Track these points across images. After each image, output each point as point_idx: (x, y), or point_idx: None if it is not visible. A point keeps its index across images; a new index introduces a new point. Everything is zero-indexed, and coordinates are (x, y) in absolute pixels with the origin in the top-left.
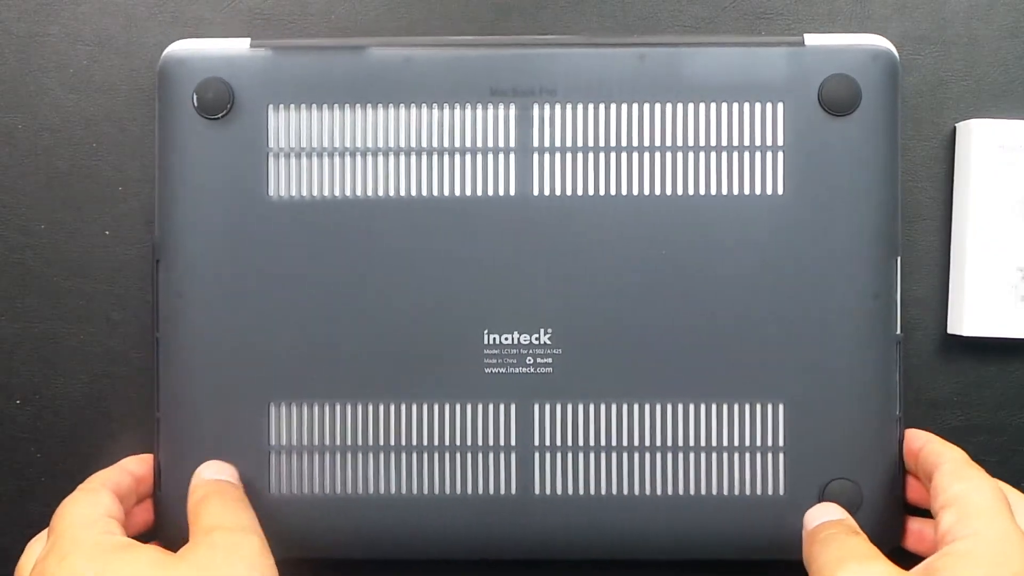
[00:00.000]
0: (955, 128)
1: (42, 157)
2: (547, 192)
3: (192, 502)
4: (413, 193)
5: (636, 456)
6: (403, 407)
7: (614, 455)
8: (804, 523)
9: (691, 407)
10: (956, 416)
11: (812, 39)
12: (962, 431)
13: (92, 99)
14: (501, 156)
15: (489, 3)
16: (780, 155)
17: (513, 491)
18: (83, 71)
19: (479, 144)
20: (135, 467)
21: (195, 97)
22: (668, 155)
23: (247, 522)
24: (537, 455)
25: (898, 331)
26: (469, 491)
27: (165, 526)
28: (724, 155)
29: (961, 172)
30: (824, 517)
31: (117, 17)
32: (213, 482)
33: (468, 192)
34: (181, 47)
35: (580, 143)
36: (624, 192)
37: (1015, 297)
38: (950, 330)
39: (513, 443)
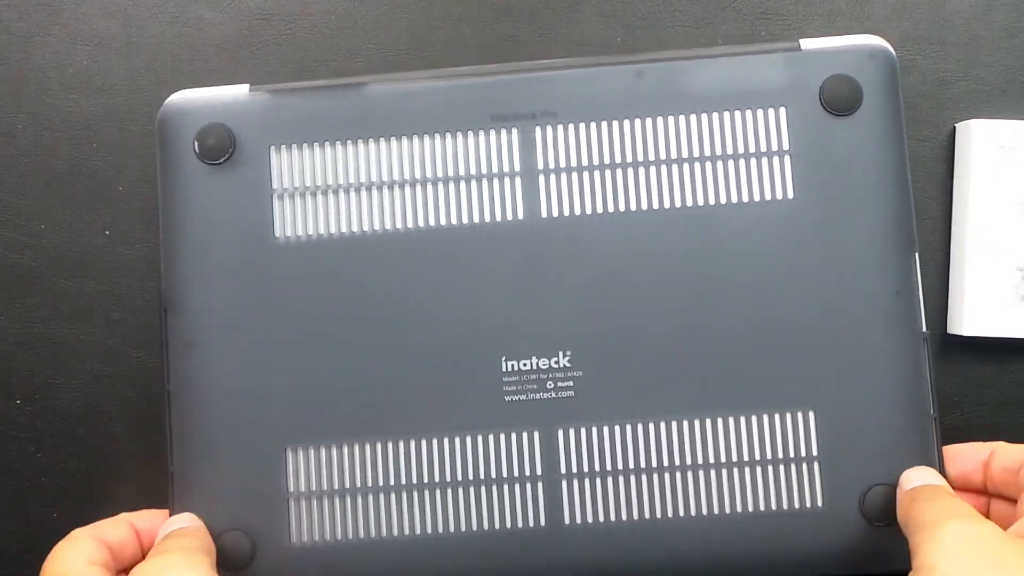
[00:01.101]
0: (955, 128)
1: (42, 157)
2: (555, 214)
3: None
4: (421, 224)
5: (667, 477)
6: (423, 443)
7: (644, 477)
8: (900, 484)
9: (719, 421)
10: (956, 416)
11: (808, 43)
12: (962, 431)
13: (92, 99)
14: (507, 181)
15: (489, 3)
16: (787, 159)
17: (542, 523)
18: (83, 71)
19: (484, 170)
20: (140, 520)
21: (196, 144)
22: (675, 168)
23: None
24: (564, 483)
25: (923, 328)
26: (496, 526)
27: None
28: (731, 163)
29: (961, 172)
30: (923, 480)
31: (117, 17)
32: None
33: (476, 219)
34: (180, 97)
35: (585, 162)
36: (634, 208)
37: (1015, 297)
38: (950, 330)
39: (539, 472)
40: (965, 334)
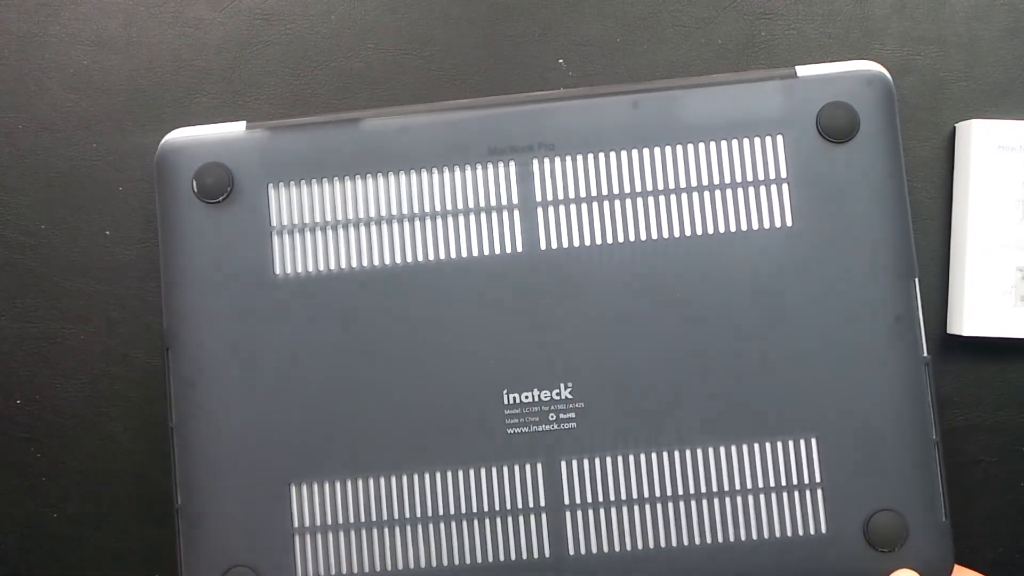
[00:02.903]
0: (955, 128)
1: (42, 157)
2: (554, 245)
3: None
4: (420, 259)
5: (671, 506)
6: (427, 476)
7: (647, 507)
8: None
9: (722, 450)
10: (956, 416)
11: (804, 70)
12: (962, 431)
13: (92, 99)
14: (505, 214)
15: (489, 3)
16: (785, 187)
17: (547, 554)
18: (83, 71)
19: (482, 204)
20: None
21: (194, 183)
22: (673, 198)
23: None
24: (568, 514)
25: (924, 353)
26: (501, 558)
27: None
28: (729, 192)
29: (961, 172)
30: None
31: (117, 17)
32: None
33: (475, 253)
34: (177, 136)
35: (583, 194)
36: (632, 238)
37: (1015, 297)
38: (950, 330)
39: (542, 504)
40: (965, 334)
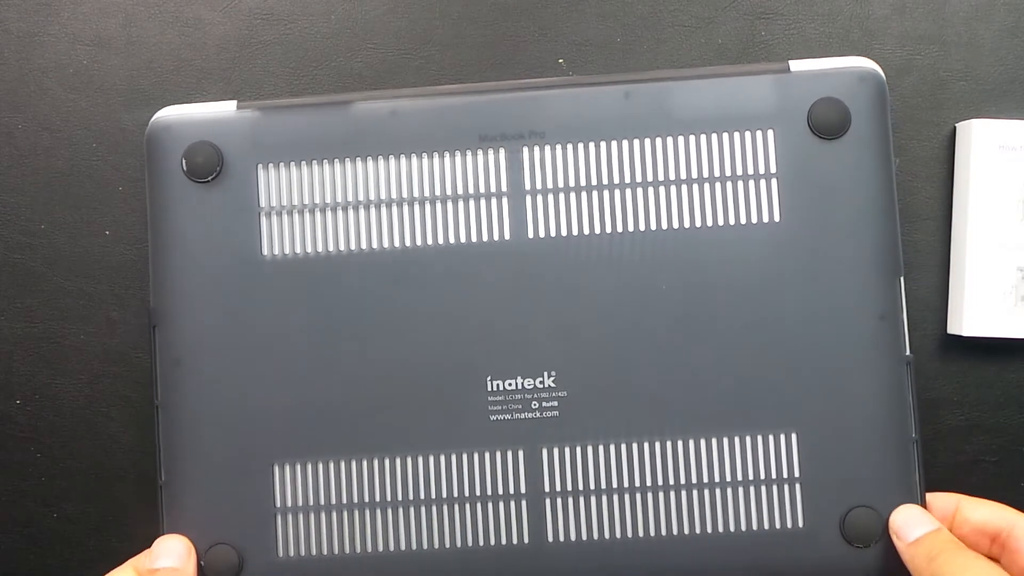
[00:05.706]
0: (955, 128)
1: (42, 157)
2: (542, 234)
3: None
4: (408, 243)
5: (649, 496)
6: (409, 460)
7: (627, 496)
8: (897, 531)
9: (702, 442)
10: (956, 416)
11: (797, 65)
12: (962, 431)
13: (92, 99)
14: (494, 201)
15: (489, 3)
16: (774, 182)
17: (526, 540)
18: (83, 71)
19: (471, 190)
20: (142, 562)
21: (184, 162)
22: (662, 189)
23: None
24: (548, 501)
25: (907, 352)
26: (481, 542)
27: None
28: (718, 186)
29: (961, 172)
30: (921, 526)
31: (117, 17)
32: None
33: (463, 239)
34: (168, 113)
35: (572, 183)
36: (620, 229)
37: (1015, 297)
38: (950, 330)
39: (523, 490)
40: (965, 334)
